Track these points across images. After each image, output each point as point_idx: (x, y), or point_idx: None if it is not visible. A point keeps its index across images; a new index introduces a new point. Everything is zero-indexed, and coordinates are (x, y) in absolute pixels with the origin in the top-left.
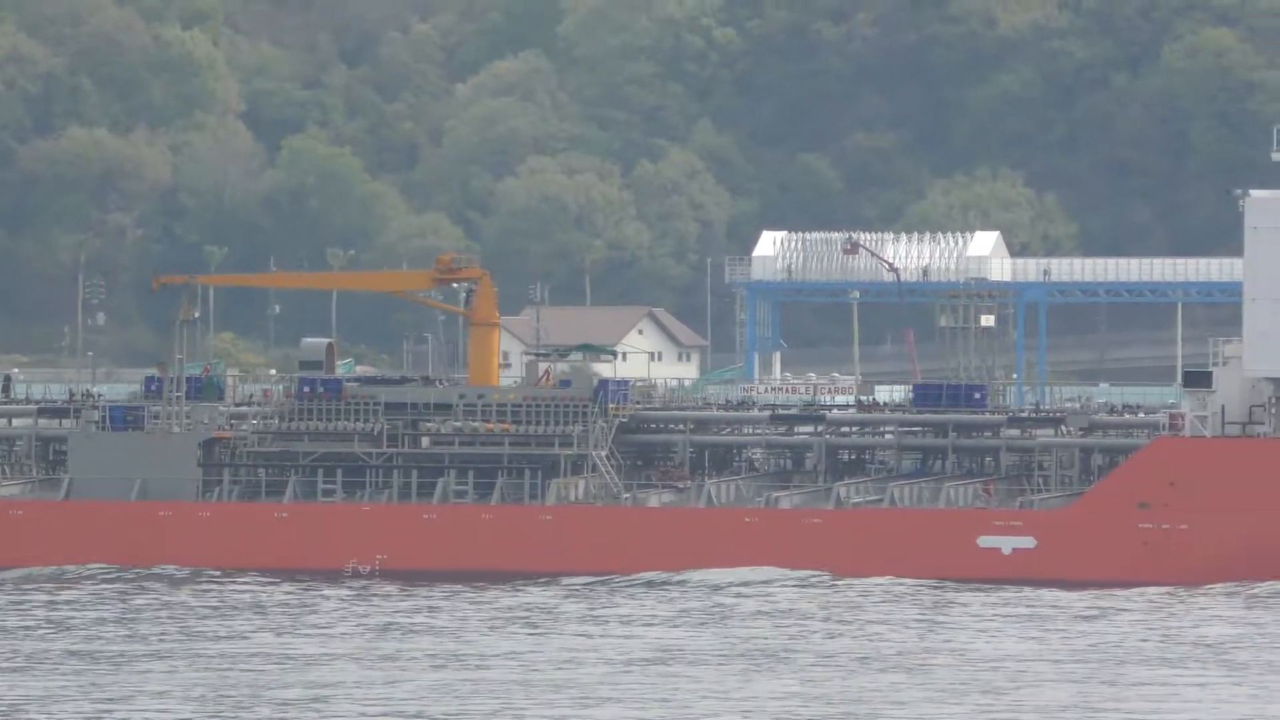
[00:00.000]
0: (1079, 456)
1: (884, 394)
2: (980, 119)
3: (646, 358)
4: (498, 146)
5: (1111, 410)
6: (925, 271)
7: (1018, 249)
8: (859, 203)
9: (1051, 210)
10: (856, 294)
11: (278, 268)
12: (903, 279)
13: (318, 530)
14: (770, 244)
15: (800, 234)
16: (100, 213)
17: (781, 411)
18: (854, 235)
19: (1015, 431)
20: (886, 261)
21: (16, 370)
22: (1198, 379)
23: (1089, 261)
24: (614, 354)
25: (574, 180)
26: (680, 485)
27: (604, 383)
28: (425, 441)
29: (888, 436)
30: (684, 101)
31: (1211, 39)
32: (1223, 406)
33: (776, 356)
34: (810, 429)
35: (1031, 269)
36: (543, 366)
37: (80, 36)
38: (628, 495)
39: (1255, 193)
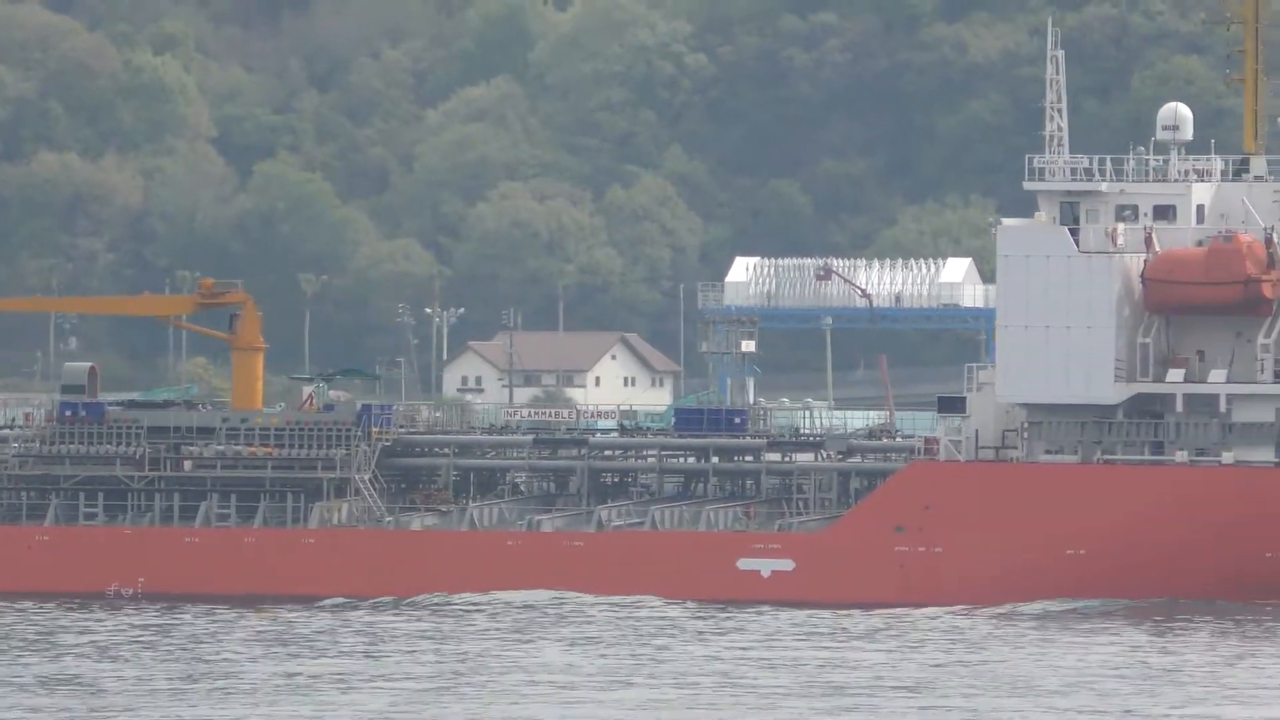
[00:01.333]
0: (837, 480)
1: (859, 420)
2: (951, 146)
3: (620, 382)
4: (469, 172)
5: (870, 434)
6: (898, 298)
7: (990, 275)
8: (830, 229)
9: None
10: (829, 320)
11: (249, 292)
12: (875, 305)
13: (79, 553)
14: (743, 270)
15: (773, 260)
16: (70, 237)
17: (544, 436)
18: (827, 261)
19: (776, 455)
20: (859, 288)
21: None
22: (952, 404)
23: None
24: (378, 377)
25: (545, 206)
26: (443, 508)
27: (367, 407)
28: (188, 465)
29: (650, 460)
30: (655, 128)
31: (1181, 67)
32: (976, 431)
33: (749, 382)
34: (574, 452)
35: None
36: (306, 391)
37: (50, 61)
38: (390, 518)
39: (1006, 221)
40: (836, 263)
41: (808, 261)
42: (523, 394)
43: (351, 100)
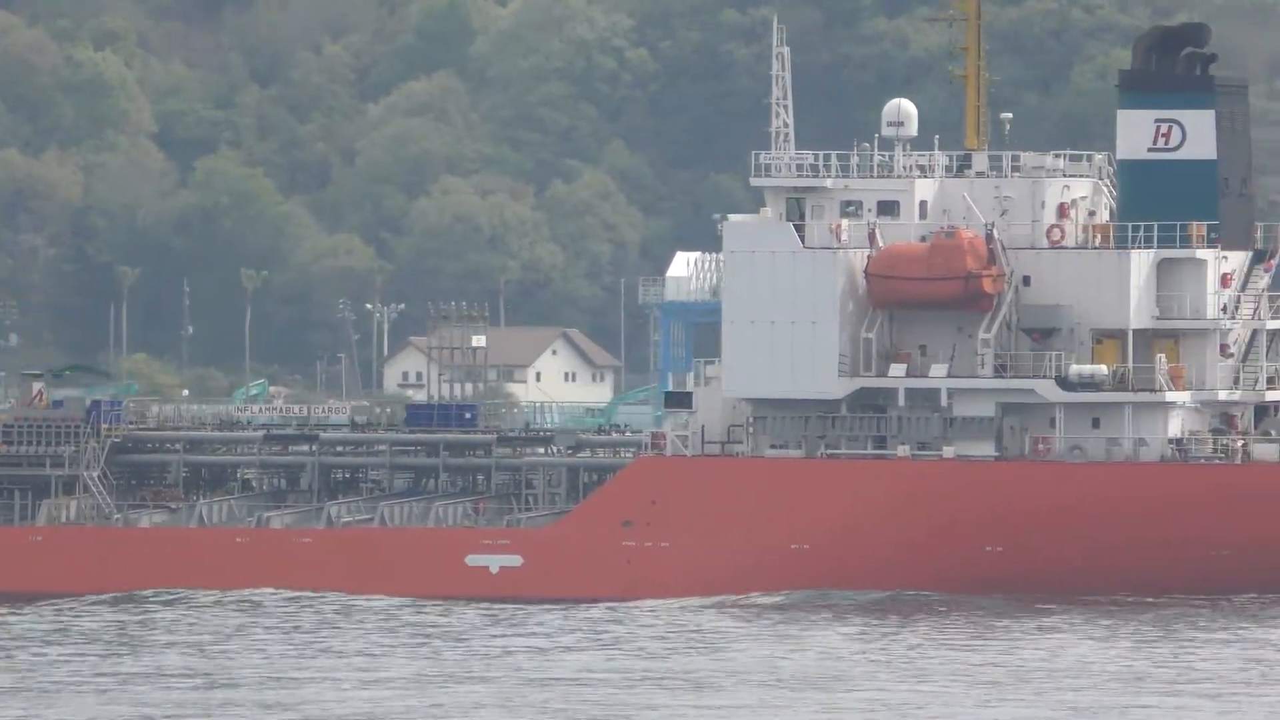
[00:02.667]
0: (567, 475)
1: None
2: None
3: (561, 378)
4: (410, 166)
5: (600, 430)
6: None
7: None
8: None
9: None
10: None
11: (190, 288)
12: None
13: None
14: (684, 264)
15: (715, 254)
16: (11, 233)
17: (276, 431)
18: None
19: (507, 450)
20: None
21: None
22: (679, 399)
23: None
24: (109, 374)
25: (487, 201)
26: (173, 505)
27: (96, 403)
28: None
29: (381, 456)
30: (596, 122)
31: (1122, 60)
32: (703, 426)
33: (690, 378)
34: (304, 449)
35: None
36: (36, 386)
37: None
38: (119, 515)
39: (732, 217)
40: None
41: None
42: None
43: (293, 95)
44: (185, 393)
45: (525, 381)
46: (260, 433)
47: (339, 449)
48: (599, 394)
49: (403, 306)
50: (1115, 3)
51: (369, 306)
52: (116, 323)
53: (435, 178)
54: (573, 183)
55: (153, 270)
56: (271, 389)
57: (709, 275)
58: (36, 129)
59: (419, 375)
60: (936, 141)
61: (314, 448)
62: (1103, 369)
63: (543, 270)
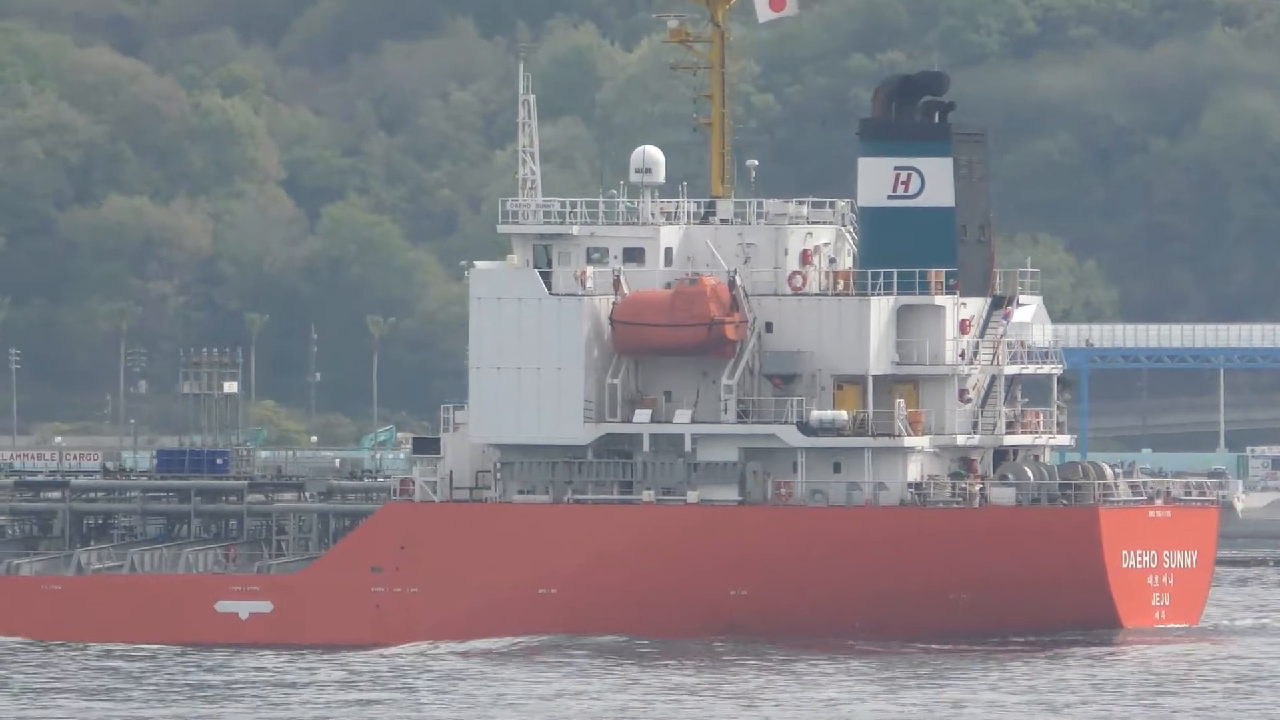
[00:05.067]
0: (318, 521)
1: None
2: (1019, 185)
3: None
4: None
5: (352, 474)
6: None
7: (1059, 315)
8: None
9: (1092, 276)
10: None
11: (317, 335)
12: None
13: None
14: None
15: None
16: (141, 281)
17: (27, 478)
18: None
19: (259, 496)
20: None
21: None
22: (426, 445)
23: (1130, 327)
24: None
25: None
26: None
27: None
28: None
29: (133, 502)
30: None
31: (1250, 105)
32: (451, 472)
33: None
34: (56, 495)
35: (1073, 335)
36: None
37: (120, 104)
38: None
39: (479, 264)
40: None
41: None
42: None
43: (420, 142)
44: (314, 439)
45: None
46: (11, 480)
47: (90, 495)
48: None
49: None
50: (1244, 46)
51: None
52: (244, 369)
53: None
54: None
55: (280, 317)
56: (399, 434)
57: None
58: (165, 176)
59: None
60: (683, 189)
61: (65, 494)
62: (843, 414)
63: None
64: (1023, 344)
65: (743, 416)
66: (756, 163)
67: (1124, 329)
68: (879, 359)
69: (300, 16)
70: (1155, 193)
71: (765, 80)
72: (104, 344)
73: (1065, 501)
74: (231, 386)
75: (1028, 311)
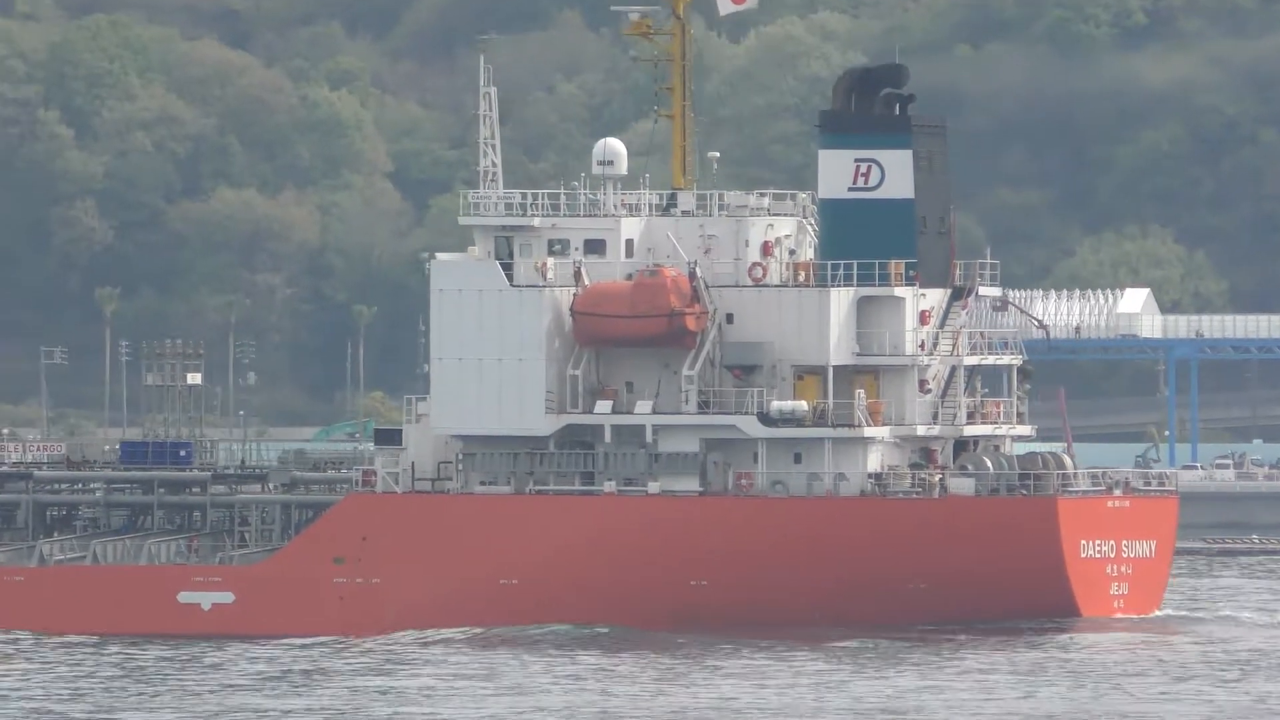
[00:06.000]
0: (281, 512)
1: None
2: (1128, 176)
3: None
4: None
5: (314, 466)
6: (1077, 329)
7: (1169, 306)
8: (1006, 260)
9: (1201, 267)
10: None
11: (425, 327)
12: (1053, 336)
13: None
14: None
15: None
16: (249, 273)
17: None
18: (1004, 293)
19: (222, 488)
20: (1036, 319)
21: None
22: (388, 436)
23: (1240, 318)
24: None
25: None
26: None
27: None
28: None
29: (96, 494)
30: None
31: None
32: (413, 463)
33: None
34: (19, 486)
35: (1182, 326)
36: None
37: (228, 98)
38: None
39: (440, 255)
40: (1013, 294)
41: (983, 292)
42: None
43: (526, 134)
44: None
45: None
46: None
47: (53, 487)
48: None
49: None
50: None
51: None
52: (353, 361)
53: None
54: None
55: (388, 309)
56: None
57: None
58: (273, 169)
59: None
60: (645, 180)
61: (28, 485)
62: (803, 405)
63: None
64: (982, 335)
65: (703, 407)
66: (718, 154)
67: (1234, 319)
68: (839, 350)
69: (408, 9)
70: (1265, 183)
71: None
72: (213, 335)
73: (1024, 492)
74: (195, 378)
75: (1137, 301)
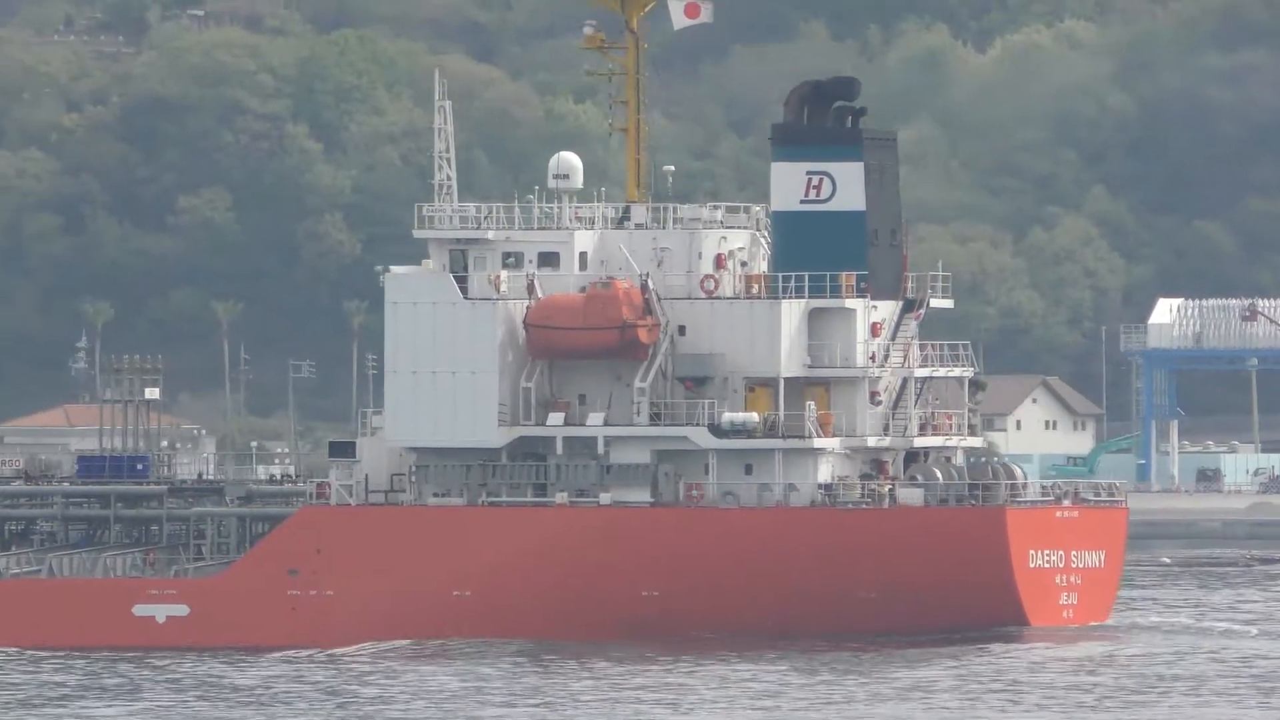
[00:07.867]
0: (236, 525)
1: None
2: None
3: (1041, 426)
4: None
5: (272, 479)
6: None
7: None
8: (1256, 268)
9: None
10: (1255, 361)
11: None
12: None
13: None
14: (1167, 311)
15: (1197, 301)
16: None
17: None
18: (1253, 302)
19: (178, 501)
20: None
21: None
22: (342, 449)
23: None
24: None
25: (966, 248)
26: None
27: None
28: None
29: (54, 508)
30: (1077, 168)
31: None
32: (367, 475)
33: (1174, 425)
34: None
35: None
36: None
37: (474, 111)
38: None
39: (394, 268)
40: (1263, 303)
41: (1233, 302)
42: None
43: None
44: None
45: (1005, 430)
46: None
47: (10, 501)
48: (1080, 443)
49: None
50: None
51: None
52: None
53: (913, 225)
54: (1053, 229)
55: None
56: None
57: (1192, 322)
58: (517, 182)
59: None
60: (602, 193)
61: None
62: (754, 416)
63: (1022, 317)
64: (933, 347)
65: (655, 419)
66: (673, 168)
67: None
68: (790, 361)
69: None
70: None
71: (1123, 80)
72: None
73: (974, 502)
74: (153, 392)
75: None
